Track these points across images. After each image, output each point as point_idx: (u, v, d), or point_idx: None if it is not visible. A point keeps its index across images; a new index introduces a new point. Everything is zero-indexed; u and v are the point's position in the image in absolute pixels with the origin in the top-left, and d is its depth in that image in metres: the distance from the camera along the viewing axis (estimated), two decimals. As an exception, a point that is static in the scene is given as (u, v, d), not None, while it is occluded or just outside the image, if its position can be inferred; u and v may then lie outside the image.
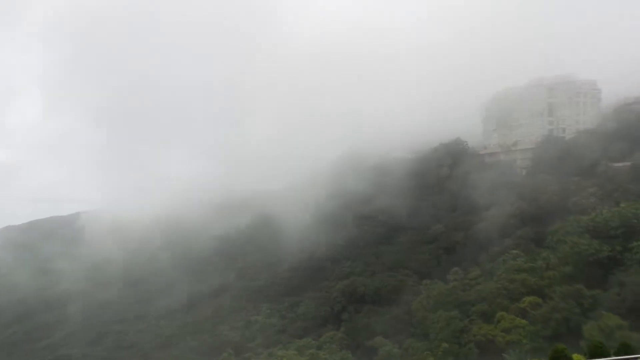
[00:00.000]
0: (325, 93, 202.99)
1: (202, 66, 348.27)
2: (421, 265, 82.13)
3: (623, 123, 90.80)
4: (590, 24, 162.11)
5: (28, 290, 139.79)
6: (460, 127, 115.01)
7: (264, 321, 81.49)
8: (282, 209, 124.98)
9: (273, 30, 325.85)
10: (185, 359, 65.68)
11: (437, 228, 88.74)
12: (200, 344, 73.51)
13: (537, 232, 73.30)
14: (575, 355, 29.30)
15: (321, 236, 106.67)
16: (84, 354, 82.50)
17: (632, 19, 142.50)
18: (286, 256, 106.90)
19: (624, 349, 26.88)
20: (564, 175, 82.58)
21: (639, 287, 49.97)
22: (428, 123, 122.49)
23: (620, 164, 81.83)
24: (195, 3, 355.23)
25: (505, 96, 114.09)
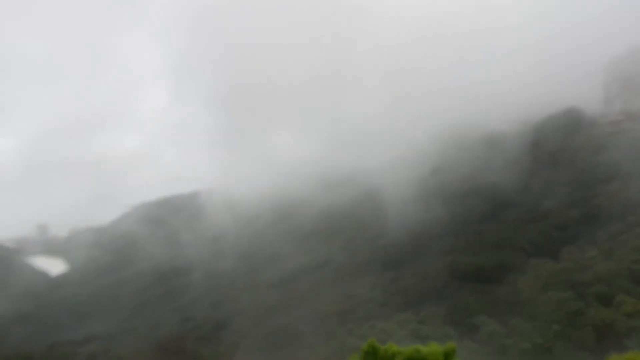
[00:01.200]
0: (431, 66, 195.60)
1: (308, 43, 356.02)
2: (529, 244, 76.78)
3: None
4: None
5: (160, 258, 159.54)
6: (574, 95, 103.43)
7: (365, 294, 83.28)
8: (385, 183, 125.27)
9: (378, 5, 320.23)
10: (291, 327, 70.18)
11: (548, 204, 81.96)
12: (304, 314, 77.77)
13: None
14: None
15: (424, 212, 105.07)
16: (205, 317, 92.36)
17: None
18: (388, 231, 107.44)
19: None
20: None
21: None
22: (539, 92, 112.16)
23: None
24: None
25: (629, 57, 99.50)
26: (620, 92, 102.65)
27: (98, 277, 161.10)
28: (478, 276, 75.47)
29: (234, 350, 58.99)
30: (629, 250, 58.88)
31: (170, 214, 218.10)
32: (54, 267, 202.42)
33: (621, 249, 60.33)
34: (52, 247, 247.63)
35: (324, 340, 56.82)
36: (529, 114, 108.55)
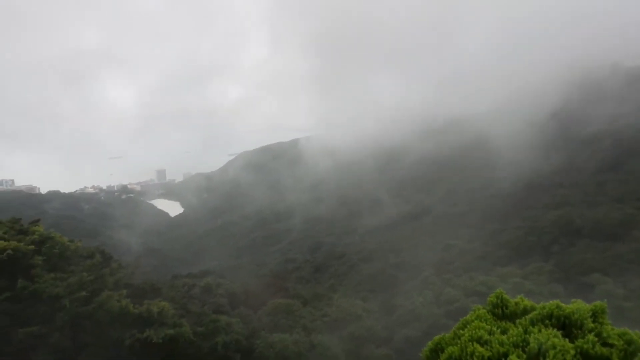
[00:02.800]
0: (542, 5, 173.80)
1: None
2: (660, 198, 67.49)
3: None
4: None
5: (263, 202, 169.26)
6: None
7: (463, 246, 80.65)
8: (496, 129, 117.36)
9: None
10: (387, 273, 70.93)
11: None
12: (400, 262, 77.91)
13: None
14: None
15: (540, 160, 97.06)
16: (304, 259, 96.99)
17: None
18: (494, 181, 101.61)
19: None
20: None
21: None
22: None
23: None
24: None
25: None
26: None
27: (209, 219, 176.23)
28: (595, 232, 68.65)
29: (331, 292, 61.39)
30: None
31: (271, 161, 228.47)
32: (172, 208, 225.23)
33: None
34: (169, 191, 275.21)
35: (420, 289, 56.60)
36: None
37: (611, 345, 3.92)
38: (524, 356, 3.79)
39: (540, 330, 4.02)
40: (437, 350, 4.35)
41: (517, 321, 4.34)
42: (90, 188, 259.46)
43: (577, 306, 4.13)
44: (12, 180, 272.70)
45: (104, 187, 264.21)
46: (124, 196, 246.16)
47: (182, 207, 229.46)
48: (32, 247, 24.94)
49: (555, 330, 4.02)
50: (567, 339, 3.92)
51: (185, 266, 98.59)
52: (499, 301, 4.61)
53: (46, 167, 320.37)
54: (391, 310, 49.13)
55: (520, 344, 3.91)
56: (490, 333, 4.16)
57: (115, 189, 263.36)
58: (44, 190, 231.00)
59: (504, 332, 4.20)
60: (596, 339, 3.88)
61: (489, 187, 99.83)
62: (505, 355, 3.84)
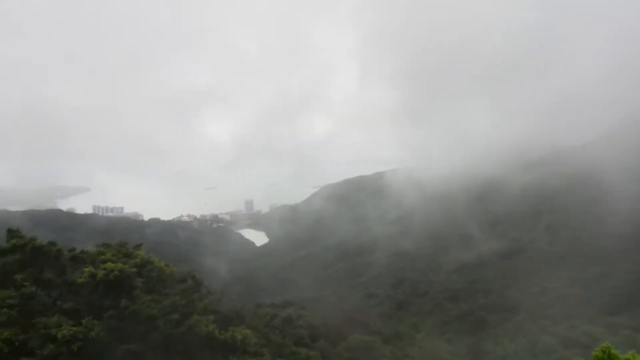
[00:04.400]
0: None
1: (506, 12, 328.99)
2: None
3: None
4: None
5: (346, 235, 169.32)
6: None
7: (563, 289, 73.53)
8: (603, 162, 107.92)
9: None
10: (476, 315, 66.57)
11: None
12: (490, 303, 72.83)
13: None
14: None
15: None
16: (387, 295, 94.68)
17: None
18: (600, 219, 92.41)
19: None
20: None
21: None
22: None
23: None
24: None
25: None
26: None
27: (292, 249, 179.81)
28: None
29: (414, 331, 58.87)
30: None
31: (355, 194, 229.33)
32: (258, 238, 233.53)
33: None
34: (256, 221, 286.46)
35: (512, 334, 52.15)
36: None
37: None
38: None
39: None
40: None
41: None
42: (186, 216, 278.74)
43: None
44: (122, 208, 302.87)
45: (198, 216, 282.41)
46: (215, 225, 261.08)
47: (268, 237, 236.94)
48: (134, 269, 27.26)
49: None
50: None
51: (268, 295, 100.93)
52: (606, 356, 4.12)
53: (150, 196, 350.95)
54: (479, 356, 45.77)
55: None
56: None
57: (208, 218, 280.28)
58: (147, 217, 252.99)
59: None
60: None
61: (595, 225, 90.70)
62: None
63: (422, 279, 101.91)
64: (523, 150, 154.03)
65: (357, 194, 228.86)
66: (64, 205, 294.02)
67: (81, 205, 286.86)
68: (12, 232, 26.53)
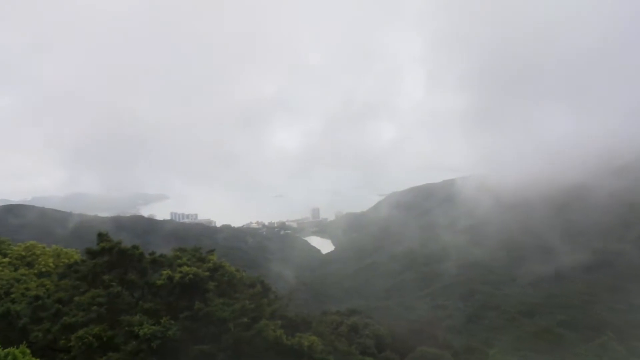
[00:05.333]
0: None
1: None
2: None
3: None
4: None
5: (413, 244, 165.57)
6: None
7: (656, 308, 66.95)
8: None
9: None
10: (553, 333, 62.23)
11: None
12: (571, 320, 67.74)
13: None
14: None
15: None
16: (456, 307, 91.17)
17: None
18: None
19: None
20: None
21: None
22: None
23: None
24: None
25: None
26: None
27: (358, 257, 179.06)
28: None
29: (486, 346, 56.14)
30: None
31: (422, 202, 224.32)
32: (324, 246, 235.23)
33: None
34: (322, 229, 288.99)
35: (595, 355, 48.04)
36: None
37: None
38: None
39: None
40: None
41: None
42: (255, 223, 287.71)
43: None
44: (196, 215, 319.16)
45: (266, 223, 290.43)
46: (282, 232, 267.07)
47: (333, 244, 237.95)
48: (207, 273, 28.69)
49: None
50: None
51: (333, 303, 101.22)
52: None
53: (222, 204, 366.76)
54: (559, 377, 42.79)
55: None
56: None
57: (275, 225, 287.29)
58: (218, 223, 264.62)
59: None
60: None
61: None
62: None
63: (495, 292, 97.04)
64: (611, 154, 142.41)
65: (425, 201, 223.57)
66: (145, 211, 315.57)
67: (160, 212, 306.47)
68: (101, 236, 29.04)
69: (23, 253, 35.64)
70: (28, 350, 4.58)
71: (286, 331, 27.35)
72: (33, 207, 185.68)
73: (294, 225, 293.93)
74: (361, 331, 45.11)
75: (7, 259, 34.18)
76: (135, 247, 28.95)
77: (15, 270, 33.14)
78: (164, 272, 27.85)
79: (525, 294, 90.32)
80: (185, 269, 27.72)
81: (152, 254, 30.58)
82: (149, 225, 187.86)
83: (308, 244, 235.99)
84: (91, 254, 28.73)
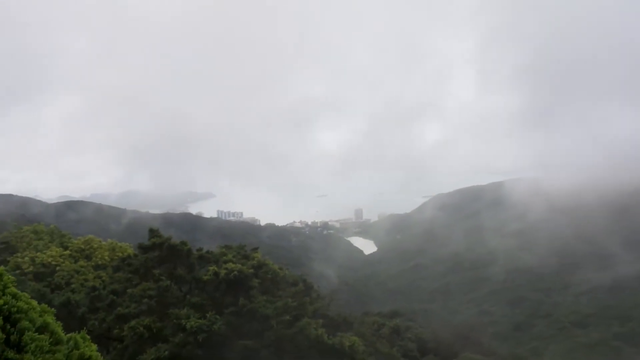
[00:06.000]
0: None
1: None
2: None
3: None
4: None
5: (458, 247, 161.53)
6: None
7: None
8: None
9: None
10: (609, 345, 58.80)
11: None
12: (629, 332, 63.74)
13: None
14: None
15: None
16: (503, 314, 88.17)
17: None
18: None
19: None
20: None
21: None
22: None
23: None
24: None
25: None
26: None
27: (401, 260, 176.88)
28: None
29: (534, 356, 53.93)
30: None
31: (469, 204, 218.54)
32: (367, 246, 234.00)
33: None
34: (365, 229, 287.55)
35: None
36: None
37: None
38: None
39: None
40: None
41: None
42: (298, 222, 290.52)
43: None
44: (241, 213, 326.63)
45: (309, 223, 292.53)
46: (325, 232, 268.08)
47: (376, 245, 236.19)
48: (251, 270, 29.39)
49: None
50: None
51: (375, 304, 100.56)
52: None
53: (266, 202, 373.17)
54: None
55: None
56: None
57: (318, 224, 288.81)
58: (262, 222, 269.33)
59: None
60: None
61: None
62: None
63: (545, 300, 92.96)
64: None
65: (471, 204, 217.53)
66: (193, 209, 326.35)
67: (207, 210, 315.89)
68: (152, 232, 30.39)
69: (82, 246, 37.92)
70: (88, 337, 4.97)
71: (327, 330, 27.54)
72: (91, 203, 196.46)
73: (337, 225, 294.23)
74: (403, 334, 44.63)
75: (67, 252, 36.49)
76: (183, 243, 30.09)
77: (75, 262, 35.35)
78: (211, 268, 28.79)
79: (578, 303, 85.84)
80: (230, 265, 28.53)
81: (200, 250, 31.67)
82: (197, 223, 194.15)
83: (351, 245, 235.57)
84: (143, 248, 30.16)
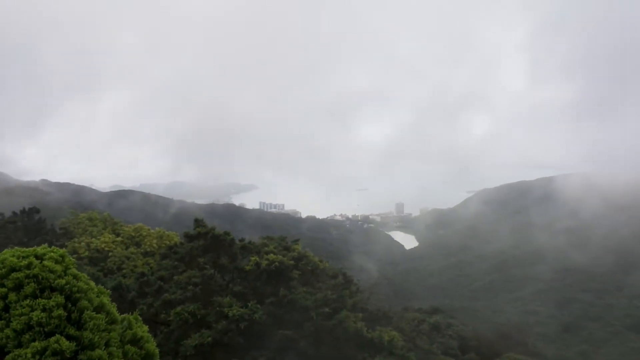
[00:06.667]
0: None
1: None
2: None
3: None
4: None
5: (504, 244, 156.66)
6: None
7: None
8: None
9: None
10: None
11: None
12: (690, 340, 59.90)
13: None
14: None
15: None
16: (550, 315, 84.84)
17: None
18: None
19: None
20: None
21: None
22: None
23: None
24: None
25: None
26: None
27: (443, 255, 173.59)
28: None
29: (582, 359, 51.70)
30: None
31: (516, 200, 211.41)
32: (407, 241, 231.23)
33: None
34: (406, 224, 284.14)
35: None
36: None
37: None
38: None
39: None
40: None
41: None
42: (339, 216, 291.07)
43: None
44: (283, 205, 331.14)
45: (350, 216, 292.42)
46: (365, 225, 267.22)
47: (417, 241, 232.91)
48: (292, 262, 29.86)
49: None
50: None
51: (415, 300, 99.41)
52: None
53: (308, 195, 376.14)
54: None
55: None
56: None
57: (359, 218, 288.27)
58: (303, 214, 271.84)
59: None
60: None
61: None
62: None
63: (597, 302, 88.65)
64: None
65: (519, 200, 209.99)
66: (236, 200, 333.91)
67: (250, 201, 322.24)
68: (197, 222, 31.47)
69: (132, 234, 39.79)
70: (140, 318, 5.29)
71: (367, 324, 27.59)
72: (141, 192, 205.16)
73: (378, 219, 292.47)
74: (444, 331, 43.95)
75: (119, 238, 38.41)
76: (227, 233, 30.97)
77: (126, 248, 37.17)
78: (252, 258, 29.49)
79: (633, 306, 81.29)
80: (271, 256, 29.10)
81: (242, 240, 32.49)
82: (239, 213, 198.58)
83: (391, 239, 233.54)
84: (188, 237, 31.29)
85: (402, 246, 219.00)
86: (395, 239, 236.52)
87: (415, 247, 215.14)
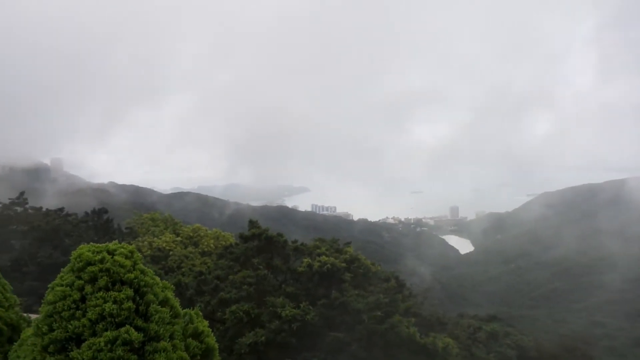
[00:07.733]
0: None
1: None
2: None
3: None
4: None
5: (568, 251, 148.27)
6: None
7: None
8: None
9: None
10: None
11: None
12: None
13: None
14: None
15: None
16: (619, 327, 79.12)
17: None
18: None
19: None
20: None
21: None
22: None
23: None
24: None
25: None
26: None
27: (500, 261, 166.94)
28: None
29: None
30: None
31: (583, 204, 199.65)
32: (462, 246, 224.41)
33: None
34: (461, 228, 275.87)
35: None
36: None
37: None
38: None
39: None
40: None
41: None
42: (391, 219, 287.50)
43: None
44: (335, 207, 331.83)
45: (402, 219, 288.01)
46: (418, 229, 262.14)
47: (473, 245, 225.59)
48: (344, 264, 29.92)
49: None
50: None
51: (471, 306, 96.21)
52: None
53: (360, 197, 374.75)
54: None
55: None
56: None
57: (412, 221, 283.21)
58: (355, 217, 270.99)
59: None
60: None
61: None
62: None
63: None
64: None
65: (585, 204, 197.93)
66: (289, 202, 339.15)
67: (302, 204, 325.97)
68: (252, 223, 32.30)
69: (191, 234, 41.54)
70: (200, 313, 5.60)
71: (420, 329, 27.14)
72: (198, 194, 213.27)
73: (431, 222, 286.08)
74: (501, 340, 42.20)
75: (179, 238, 40.23)
76: (280, 235, 31.54)
77: (185, 248, 38.86)
78: (305, 260, 29.85)
79: None
80: (324, 258, 29.32)
81: (295, 242, 32.97)
82: (292, 215, 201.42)
83: (445, 243, 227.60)
84: (243, 238, 32.18)
85: (457, 250, 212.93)
86: (449, 243, 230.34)
87: (470, 252, 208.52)
